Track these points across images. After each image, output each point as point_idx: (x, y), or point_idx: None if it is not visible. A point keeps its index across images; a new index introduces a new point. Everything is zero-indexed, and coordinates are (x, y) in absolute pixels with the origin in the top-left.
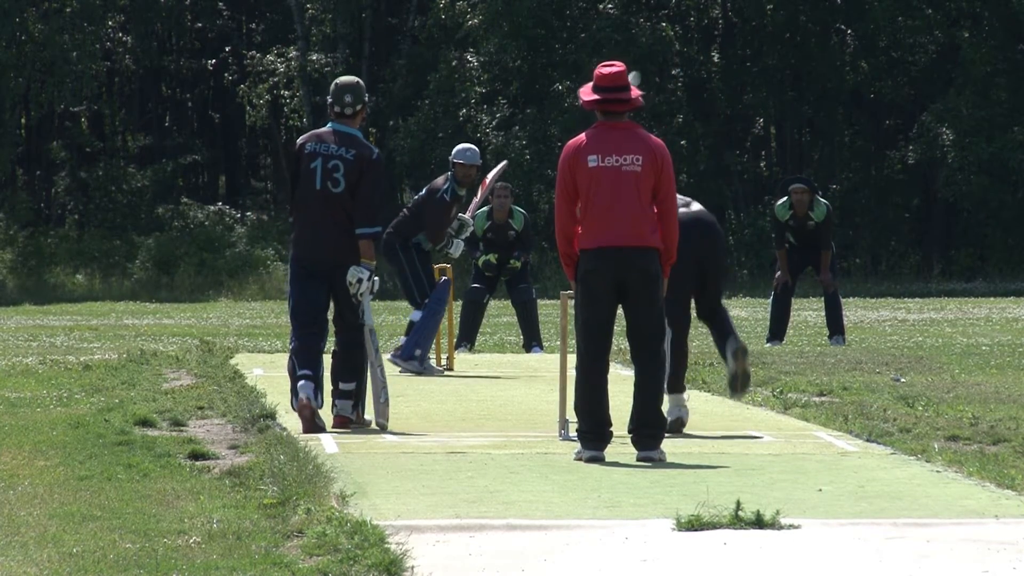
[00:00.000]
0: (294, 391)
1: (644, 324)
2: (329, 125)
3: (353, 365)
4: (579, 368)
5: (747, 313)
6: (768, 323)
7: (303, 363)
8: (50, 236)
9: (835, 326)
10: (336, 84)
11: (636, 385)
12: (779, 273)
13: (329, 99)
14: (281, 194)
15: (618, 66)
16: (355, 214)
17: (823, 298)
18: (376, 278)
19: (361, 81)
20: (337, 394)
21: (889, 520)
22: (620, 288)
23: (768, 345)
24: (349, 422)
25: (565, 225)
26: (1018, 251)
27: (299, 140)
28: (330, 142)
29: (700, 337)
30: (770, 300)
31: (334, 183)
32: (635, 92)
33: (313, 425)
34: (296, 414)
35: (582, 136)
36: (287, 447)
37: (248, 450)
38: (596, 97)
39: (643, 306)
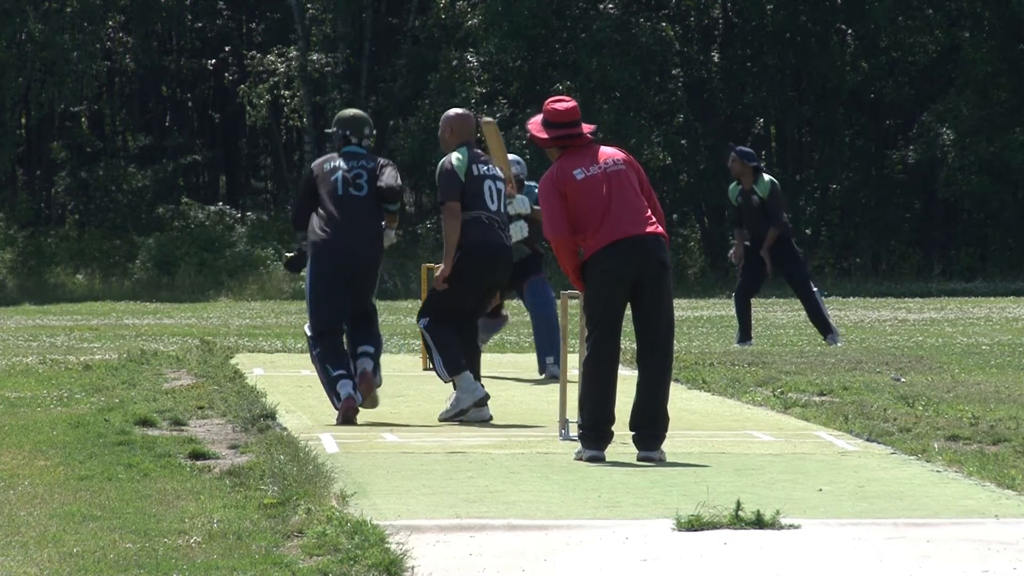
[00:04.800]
0: (333, 392)
1: (659, 319)
2: (343, 150)
3: (369, 330)
4: (587, 366)
5: None
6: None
7: (336, 363)
8: (50, 236)
9: (822, 325)
10: (354, 117)
11: (640, 384)
12: (734, 252)
13: (344, 131)
14: (281, 193)
15: (570, 101)
16: (384, 194)
17: (800, 301)
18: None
19: None
20: (356, 356)
21: (889, 520)
22: (635, 284)
23: (737, 346)
24: (371, 383)
25: (566, 241)
26: (1018, 251)
27: (313, 164)
28: (346, 159)
29: (700, 337)
30: (733, 302)
31: (357, 188)
32: (587, 127)
33: (354, 421)
34: (341, 413)
35: (554, 166)
36: (287, 447)
37: (248, 450)
38: (546, 136)
39: (657, 302)
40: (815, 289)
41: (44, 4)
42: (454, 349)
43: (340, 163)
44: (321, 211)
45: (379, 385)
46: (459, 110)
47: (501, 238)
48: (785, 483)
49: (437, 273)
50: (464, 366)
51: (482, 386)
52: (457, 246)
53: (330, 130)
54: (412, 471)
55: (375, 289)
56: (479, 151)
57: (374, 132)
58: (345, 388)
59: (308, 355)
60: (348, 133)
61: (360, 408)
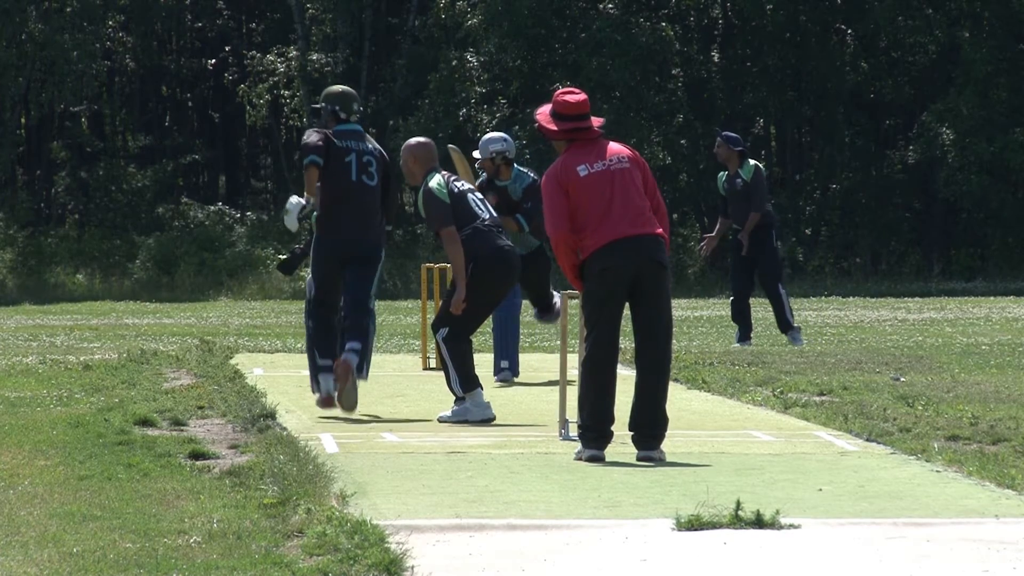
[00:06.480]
0: (315, 380)
1: (657, 319)
2: (337, 128)
3: (360, 328)
4: (587, 366)
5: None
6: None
7: (324, 351)
8: (50, 236)
9: (782, 324)
10: (344, 93)
11: (639, 384)
12: (705, 243)
13: (332, 106)
14: (282, 193)
15: (580, 94)
16: (387, 212)
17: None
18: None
19: None
20: (345, 350)
21: (889, 520)
22: (634, 283)
23: (737, 345)
24: (349, 372)
25: (567, 239)
26: (1018, 251)
27: (326, 132)
28: (357, 139)
29: (700, 337)
30: (730, 304)
31: (369, 176)
32: (596, 121)
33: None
34: (318, 404)
35: (559, 160)
36: (287, 447)
37: (248, 450)
38: (555, 128)
39: (656, 302)
40: (783, 291)
41: (44, 4)
42: (469, 366)
43: (351, 143)
44: (331, 193)
45: (363, 379)
46: (419, 139)
47: (505, 240)
48: (785, 483)
49: (453, 299)
50: (477, 382)
51: (490, 404)
52: (468, 261)
53: (317, 105)
54: (412, 471)
55: (377, 272)
56: (446, 171)
57: (361, 107)
58: (326, 383)
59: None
60: (338, 109)
61: (338, 403)
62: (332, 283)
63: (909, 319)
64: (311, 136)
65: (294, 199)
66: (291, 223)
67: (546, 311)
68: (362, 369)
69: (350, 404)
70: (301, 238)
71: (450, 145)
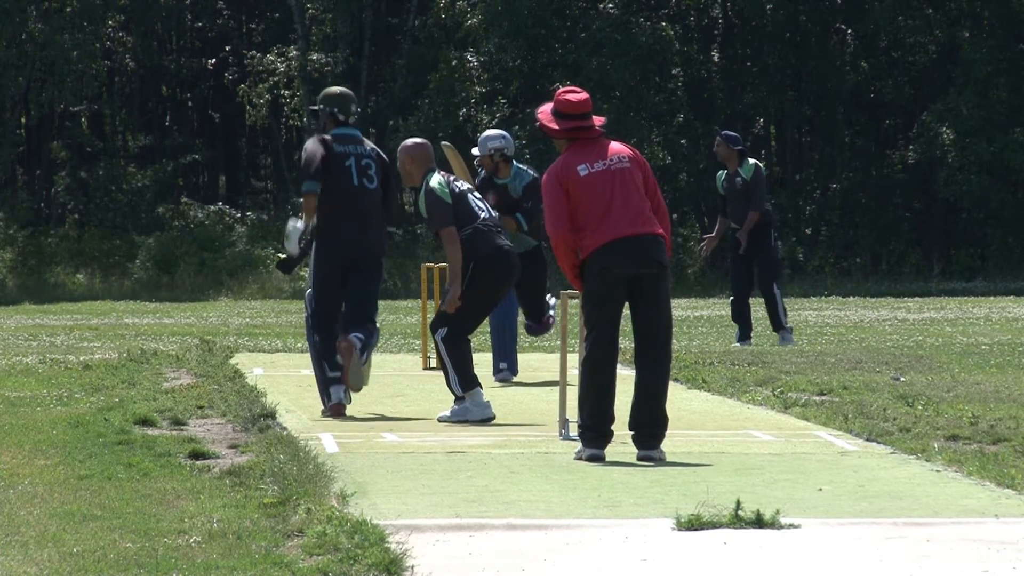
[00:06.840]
0: (325, 392)
1: (657, 319)
2: (335, 131)
3: (362, 321)
4: (587, 365)
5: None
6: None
7: (333, 364)
8: (50, 236)
9: (773, 322)
10: (342, 94)
11: (639, 383)
12: (705, 243)
13: (331, 109)
14: (282, 193)
15: (582, 93)
16: (390, 212)
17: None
18: None
19: None
20: (349, 334)
21: (889, 520)
22: (633, 283)
23: (737, 345)
24: (352, 350)
25: (566, 239)
26: (1018, 251)
27: (325, 136)
28: (355, 144)
29: (700, 337)
30: (730, 304)
31: (369, 180)
32: (597, 120)
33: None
34: (330, 411)
35: (560, 159)
36: (287, 447)
37: (248, 450)
38: (557, 127)
39: (655, 302)
40: (777, 291)
41: (44, 4)
42: (469, 366)
43: (349, 148)
44: (331, 197)
45: (364, 364)
46: (416, 140)
47: (504, 240)
48: (785, 483)
49: (448, 298)
50: (476, 381)
51: (489, 404)
52: (468, 260)
53: (315, 107)
54: (412, 471)
55: (380, 282)
56: (444, 171)
57: (359, 109)
58: (337, 392)
59: (308, 354)
60: (336, 110)
61: (349, 385)
62: (334, 287)
63: (909, 319)
64: (312, 153)
65: (292, 224)
66: (291, 248)
67: (537, 323)
68: (364, 353)
69: (357, 382)
70: (302, 238)
71: (444, 142)
